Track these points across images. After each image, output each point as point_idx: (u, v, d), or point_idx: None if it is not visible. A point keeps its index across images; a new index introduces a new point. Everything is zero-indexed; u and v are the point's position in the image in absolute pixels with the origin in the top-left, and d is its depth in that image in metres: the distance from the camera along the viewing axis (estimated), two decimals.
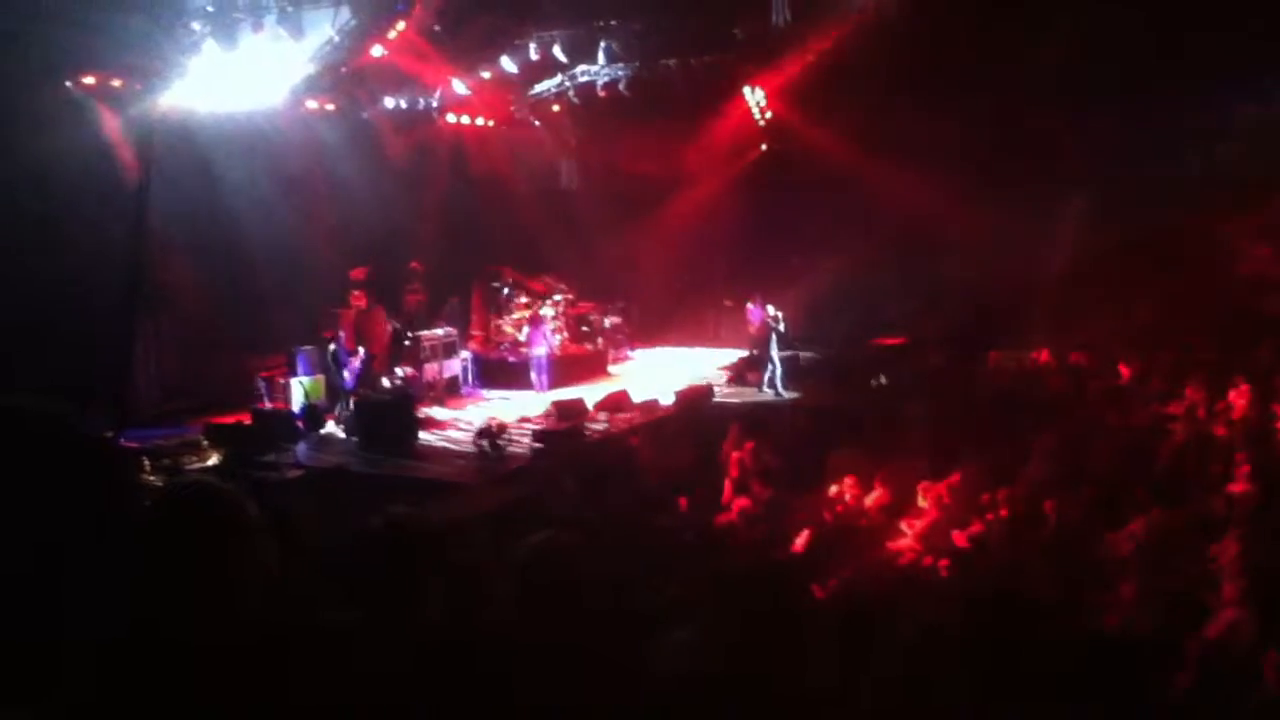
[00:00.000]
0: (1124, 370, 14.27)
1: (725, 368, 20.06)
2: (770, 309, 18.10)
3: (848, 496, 10.66)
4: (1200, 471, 9.89)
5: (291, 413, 15.35)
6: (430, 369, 17.53)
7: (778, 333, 17.98)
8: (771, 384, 18.01)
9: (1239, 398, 12.01)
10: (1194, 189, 15.68)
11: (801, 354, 19.57)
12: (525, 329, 19.02)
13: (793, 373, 18.37)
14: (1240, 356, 13.62)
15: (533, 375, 18.26)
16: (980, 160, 19.01)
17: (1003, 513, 9.19)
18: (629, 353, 21.94)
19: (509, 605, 2.95)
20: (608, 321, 21.48)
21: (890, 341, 19.63)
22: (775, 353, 18.02)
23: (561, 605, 2.89)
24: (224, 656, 2.22)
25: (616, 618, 3.00)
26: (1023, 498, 9.57)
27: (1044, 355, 16.76)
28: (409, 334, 17.72)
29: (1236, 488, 8.80)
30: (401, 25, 16.01)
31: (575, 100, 20.91)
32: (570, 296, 20.92)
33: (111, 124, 14.77)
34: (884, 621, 4.67)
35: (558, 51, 19.10)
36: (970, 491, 10.20)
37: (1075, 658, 3.93)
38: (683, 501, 11.25)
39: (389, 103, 18.94)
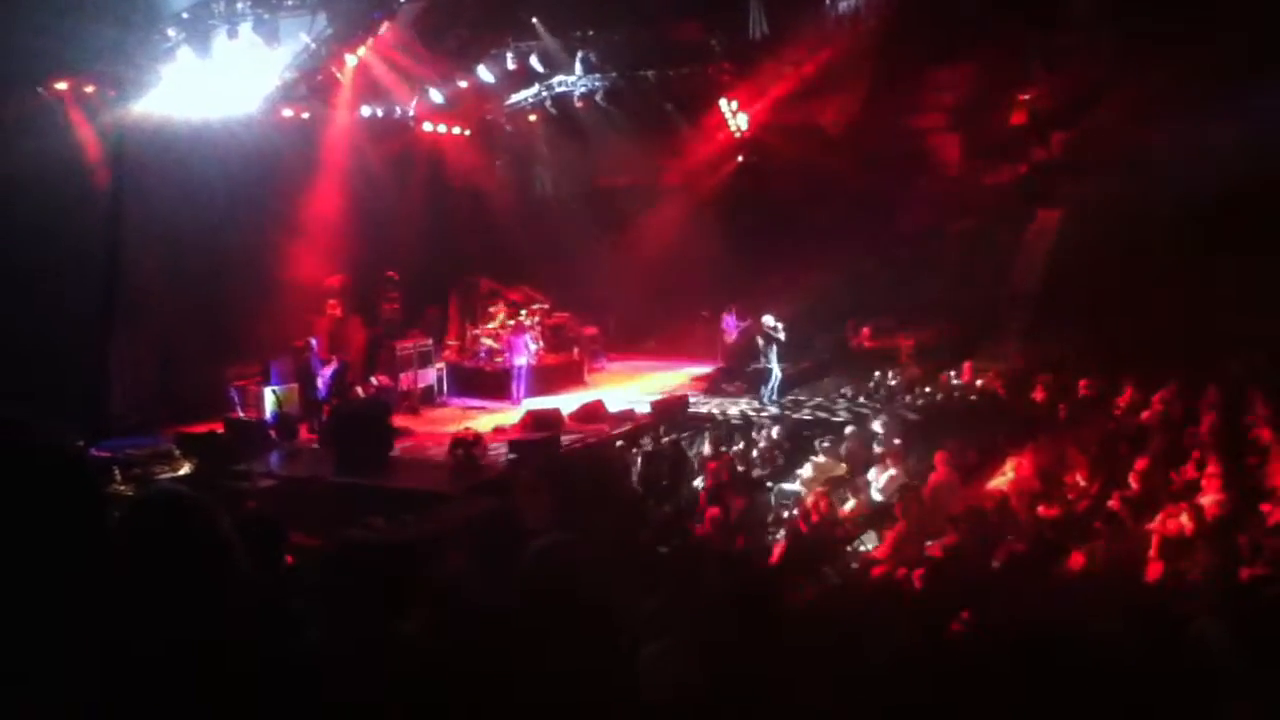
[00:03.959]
0: (1097, 384, 14.38)
1: (701, 378, 20.07)
2: (770, 319, 17.97)
3: (823, 506, 10.67)
4: (1171, 485, 9.98)
5: (265, 422, 15.23)
6: (405, 378, 17.43)
7: (778, 343, 17.88)
8: (772, 394, 17.91)
9: (1209, 412, 12.14)
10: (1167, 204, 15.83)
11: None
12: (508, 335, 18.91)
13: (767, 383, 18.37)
14: (1211, 371, 13.76)
15: (512, 385, 18.18)
16: (959, 171, 19.17)
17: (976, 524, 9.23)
18: (605, 363, 21.91)
19: (509, 608, 2.91)
20: (584, 331, 21.45)
21: (867, 352, 19.72)
22: (775, 363, 17.93)
23: (564, 610, 2.86)
24: (197, 669, 2.19)
25: (605, 627, 2.98)
26: (997, 509, 9.63)
27: (1017, 368, 16.90)
28: (384, 343, 17.62)
29: (1206, 500, 8.88)
30: (380, 32, 15.98)
31: (552, 110, 20.94)
32: (546, 306, 20.90)
33: (84, 130, 14.64)
34: (855, 644, 4.66)
35: (535, 62, 19.13)
36: (944, 502, 10.27)
37: (1052, 674, 3.93)
38: (659, 512, 11.25)
39: (365, 111, 18.88)
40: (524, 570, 3.02)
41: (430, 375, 18.23)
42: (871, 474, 12.47)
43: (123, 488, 11.16)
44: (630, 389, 19.12)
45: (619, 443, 14.87)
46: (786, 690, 3.00)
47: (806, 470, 13.18)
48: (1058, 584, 7.23)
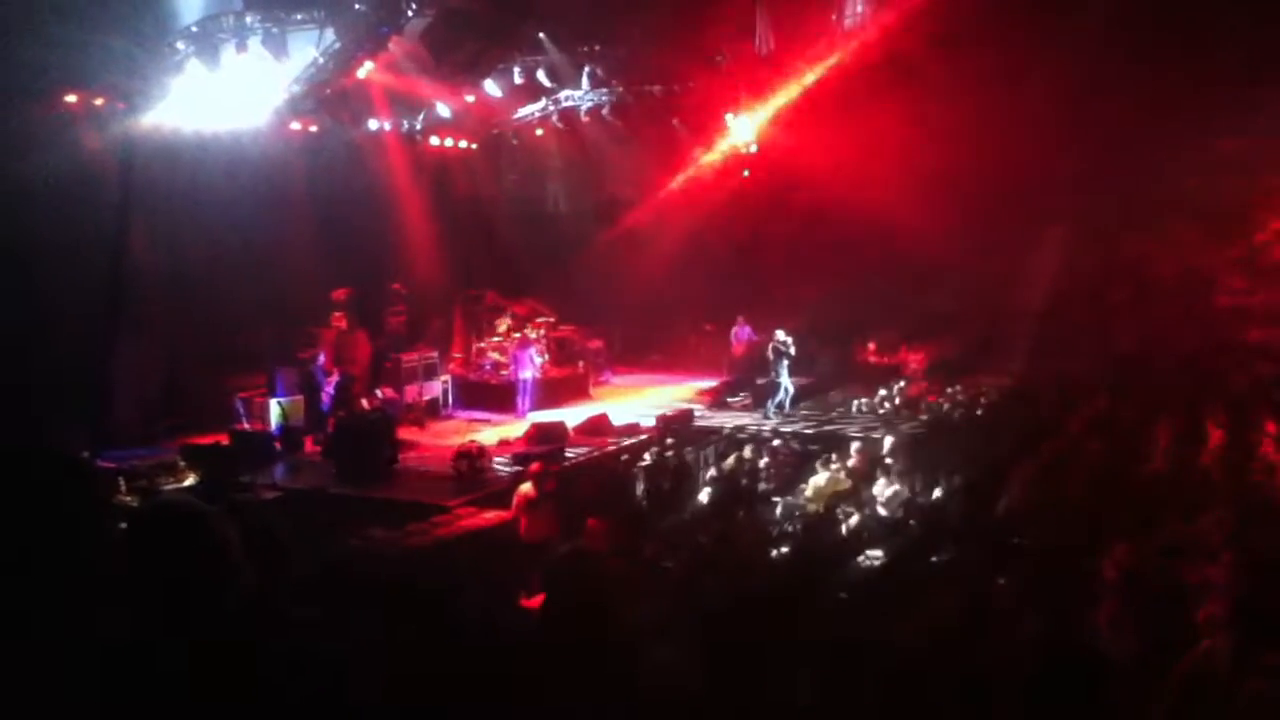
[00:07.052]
0: (1102, 398, 14.35)
1: (706, 392, 20.05)
2: (781, 333, 17.96)
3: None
4: (1177, 499, 9.94)
5: (270, 434, 15.25)
6: (411, 390, 17.46)
7: (789, 357, 17.85)
8: (780, 408, 17.86)
9: (1216, 426, 12.11)
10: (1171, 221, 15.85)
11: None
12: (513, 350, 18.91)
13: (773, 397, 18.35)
14: (1217, 385, 13.74)
15: (518, 398, 18.19)
16: (964, 189, 19.19)
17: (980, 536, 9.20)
18: (610, 376, 21.91)
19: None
20: (589, 345, 21.47)
21: (873, 367, 19.71)
22: (786, 378, 17.90)
23: (588, 612, 2.86)
24: (201, 675, 2.19)
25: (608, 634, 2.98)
26: (1001, 522, 9.58)
27: (1024, 382, 16.87)
28: (390, 355, 17.66)
29: (1211, 517, 8.83)
30: (387, 46, 16.05)
31: (559, 124, 21.00)
32: (552, 319, 20.93)
33: (93, 143, 14.71)
34: (859, 649, 4.66)
35: (542, 76, 19.20)
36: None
37: (1053, 683, 3.93)
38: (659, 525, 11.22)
39: (373, 124, 18.96)
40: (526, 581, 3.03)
41: (435, 388, 18.26)
42: (877, 489, 12.43)
43: (128, 498, 11.17)
44: (635, 402, 19.12)
45: (624, 456, 14.85)
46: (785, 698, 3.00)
47: (811, 485, 13.14)
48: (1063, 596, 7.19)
